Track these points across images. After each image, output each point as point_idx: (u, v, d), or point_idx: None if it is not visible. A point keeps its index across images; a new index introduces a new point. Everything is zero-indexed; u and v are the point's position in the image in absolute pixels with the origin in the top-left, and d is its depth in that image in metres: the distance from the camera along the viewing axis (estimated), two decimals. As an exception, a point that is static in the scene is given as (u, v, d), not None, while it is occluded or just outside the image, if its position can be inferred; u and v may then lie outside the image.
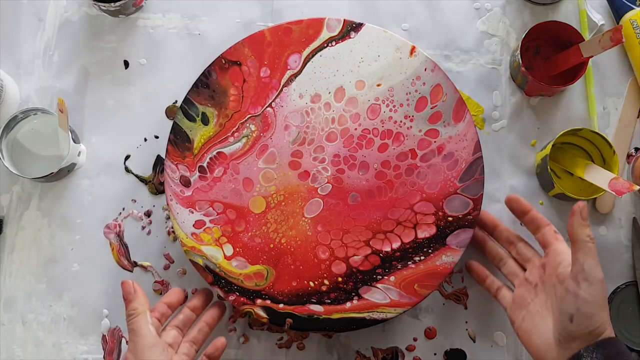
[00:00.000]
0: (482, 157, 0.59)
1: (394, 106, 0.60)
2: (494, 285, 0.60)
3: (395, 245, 0.59)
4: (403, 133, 0.60)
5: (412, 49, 0.61)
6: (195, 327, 0.59)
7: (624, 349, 0.50)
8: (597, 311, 0.49)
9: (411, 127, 0.60)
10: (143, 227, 0.66)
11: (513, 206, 0.59)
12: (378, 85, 0.60)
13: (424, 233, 0.59)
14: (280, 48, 0.61)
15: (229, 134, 0.60)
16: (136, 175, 0.67)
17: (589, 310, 0.49)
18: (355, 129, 0.60)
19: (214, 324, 0.60)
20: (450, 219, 0.59)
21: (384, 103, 0.60)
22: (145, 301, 0.54)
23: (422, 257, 0.58)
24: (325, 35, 0.61)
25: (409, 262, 0.58)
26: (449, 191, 0.59)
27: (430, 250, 0.58)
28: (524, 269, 0.58)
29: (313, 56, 0.61)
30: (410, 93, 0.60)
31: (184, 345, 0.57)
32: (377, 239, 0.59)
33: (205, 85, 0.60)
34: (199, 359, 0.58)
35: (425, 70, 0.60)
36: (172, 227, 0.65)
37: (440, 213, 0.59)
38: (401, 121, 0.60)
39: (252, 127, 0.60)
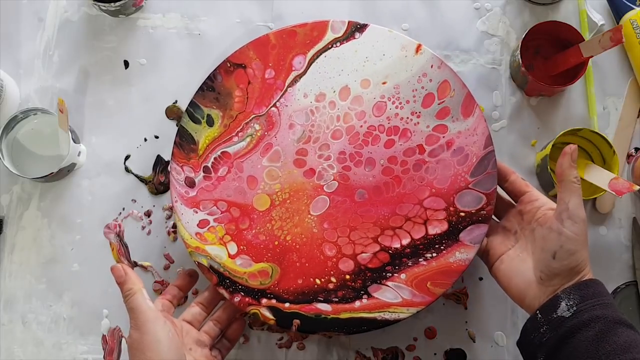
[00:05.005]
0: (493, 151, 0.59)
1: (400, 103, 0.60)
2: None
3: (405, 241, 0.58)
4: (410, 129, 0.60)
5: (418, 47, 0.60)
6: (220, 306, 0.60)
7: (601, 290, 0.51)
8: (579, 248, 0.51)
9: (418, 123, 0.60)
10: (143, 227, 0.66)
11: None
12: (383, 83, 0.60)
13: (435, 229, 0.58)
14: (285, 50, 0.61)
15: (233, 134, 0.60)
16: (136, 175, 0.67)
17: (571, 247, 0.51)
18: (361, 126, 0.60)
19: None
20: (462, 214, 0.58)
21: (389, 100, 0.60)
22: (138, 280, 0.54)
23: (434, 254, 0.58)
24: (329, 36, 0.61)
25: (420, 259, 0.58)
26: (460, 186, 0.59)
27: (442, 247, 0.58)
28: (496, 219, 0.61)
29: (317, 57, 0.61)
30: (416, 90, 0.60)
31: (208, 323, 0.59)
32: (385, 235, 0.59)
33: (211, 89, 0.60)
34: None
35: (432, 67, 0.60)
36: (173, 228, 0.65)
37: (451, 208, 0.58)
38: (408, 117, 0.60)
39: (257, 127, 0.60)
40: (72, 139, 0.63)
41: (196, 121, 0.60)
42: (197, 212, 0.59)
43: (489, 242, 0.59)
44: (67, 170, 0.65)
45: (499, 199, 0.60)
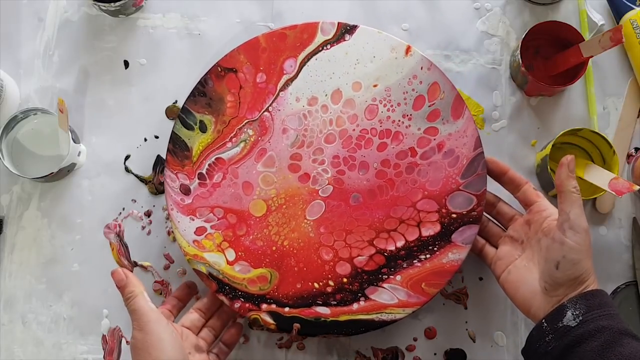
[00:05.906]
0: (483, 152, 0.59)
1: (392, 106, 0.60)
2: (478, 244, 0.61)
3: (400, 243, 0.59)
4: (402, 132, 0.60)
5: (408, 49, 0.61)
6: (216, 313, 0.60)
7: (607, 300, 0.51)
8: (582, 258, 0.51)
9: (410, 125, 0.60)
10: (143, 227, 0.66)
11: (490, 167, 0.60)
12: (374, 85, 0.61)
13: (428, 231, 0.59)
14: (276, 53, 0.61)
15: (227, 140, 0.60)
16: (136, 175, 0.67)
17: (574, 256, 0.51)
18: (354, 129, 0.60)
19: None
20: (454, 215, 0.59)
21: (381, 103, 0.60)
22: (139, 283, 0.54)
23: (428, 255, 0.58)
24: (319, 39, 0.61)
25: (414, 261, 0.58)
26: (452, 188, 0.59)
27: (435, 248, 0.59)
28: (503, 229, 0.61)
29: (308, 60, 0.61)
30: (407, 92, 0.60)
31: (204, 330, 0.59)
32: (380, 238, 0.59)
33: (202, 94, 0.60)
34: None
35: (422, 68, 0.60)
36: (174, 232, 0.65)
37: (443, 210, 0.59)
38: (399, 120, 0.60)
39: (250, 132, 0.60)
40: (72, 139, 0.63)
41: (189, 127, 0.60)
42: (193, 220, 0.59)
43: (497, 252, 0.59)
44: (67, 170, 0.65)
45: (504, 209, 0.61)
